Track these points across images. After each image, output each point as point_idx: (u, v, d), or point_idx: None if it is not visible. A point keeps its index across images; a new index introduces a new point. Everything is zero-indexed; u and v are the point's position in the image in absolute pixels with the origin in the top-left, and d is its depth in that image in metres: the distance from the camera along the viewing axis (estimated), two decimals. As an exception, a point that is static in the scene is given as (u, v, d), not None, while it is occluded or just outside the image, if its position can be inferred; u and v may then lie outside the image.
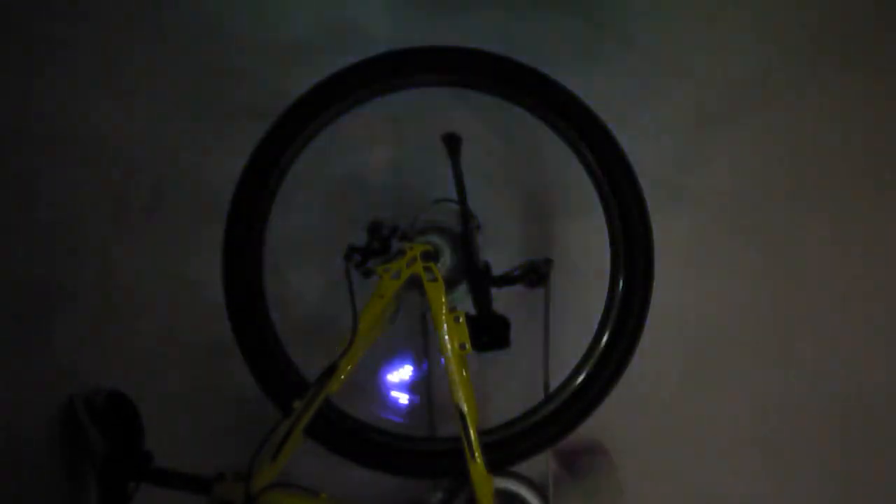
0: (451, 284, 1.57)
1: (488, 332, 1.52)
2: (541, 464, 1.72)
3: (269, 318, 1.66)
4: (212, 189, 1.76)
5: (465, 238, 1.56)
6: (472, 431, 1.50)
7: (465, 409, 1.51)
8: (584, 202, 1.67)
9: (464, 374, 1.51)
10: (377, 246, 1.56)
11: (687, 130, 1.90)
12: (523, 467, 1.63)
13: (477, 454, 1.50)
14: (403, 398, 1.82)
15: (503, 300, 1.58)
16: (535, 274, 1.66)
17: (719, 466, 1.94)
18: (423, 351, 1.83)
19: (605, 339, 1.61)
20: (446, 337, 1.52)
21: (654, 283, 1.60)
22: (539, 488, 1.59)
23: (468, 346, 1.52)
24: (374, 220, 1.57)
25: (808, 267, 1.93)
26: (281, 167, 1.64)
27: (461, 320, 1.52)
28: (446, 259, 1.57)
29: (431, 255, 1.55)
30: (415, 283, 1.56)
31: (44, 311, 1.63)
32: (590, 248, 1.72)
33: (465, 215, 1.55)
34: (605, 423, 1.64)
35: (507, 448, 1.62)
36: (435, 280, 1.53)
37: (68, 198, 1.73)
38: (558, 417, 1.63)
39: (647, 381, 1.78)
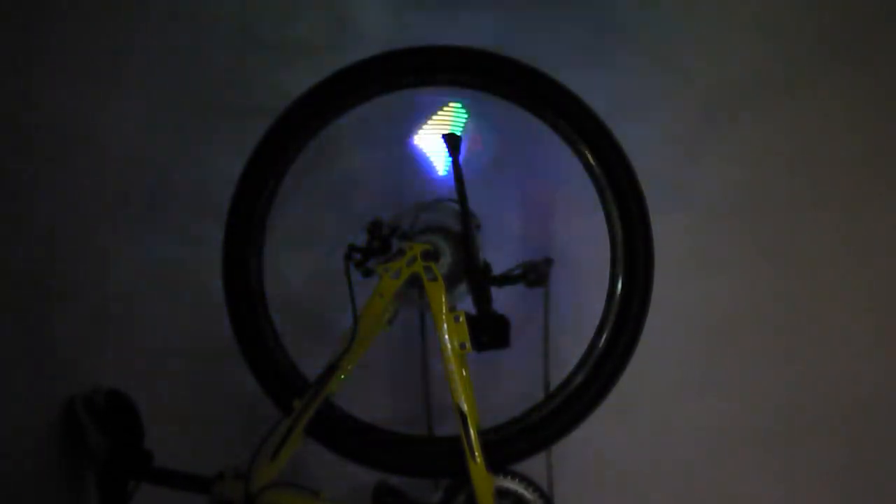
0: (451, 284, 1.57)
1: (488, 332, 1.52)
2: (541, 463, 1.72)
3: (269, 317, 1.67)
4: (212, 189, 1.76)
5: (465, 237, 1.56)
6: (472, 431, 1.50)
7: (465, 408, 1.51)
8: (584, 202, 1.67)
9: (464, 373, 1.52)
10: (377, 245, 1.56)
11: (687, 130, 1.90)
12: (523, 466, 1.63)
13: (477, 453, 1.50)
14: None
15: (503, 300, 1.58)
16: (535, 273, 1.66)
17: (719, 465, 1.94)
18: (422, 350, 1.83)
19: (604, 338, 1.61)
20: (446, 336, 1.52)
21: (654, 283, 1.60)
22: (539, 487, 1.59)
23: (468, 345, 1.52)
24: (374, 220, 1.57)
25: (808, 266, 1.93)
26: (281, 166, 1.64)
27: (461, 320, 1.52)
28: (446, 258, 1.57)
29: (431, 255, 1.55)
30: (415, 283, 1.56)
31: (44, 311, 1.63)
32: (590, 248, 1.71)
33: (465, 215, 1.55)
34: (605, 422, 1.64)
35: (507, 447, 1.62)
36: (435, 279, 1.53)
37: (68, 198, 1.73)
38: (558, 417, 1.63)
39: (646, 380, 1.78)
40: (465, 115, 1.72)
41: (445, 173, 1.70)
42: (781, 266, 1.93)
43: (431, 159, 1.76)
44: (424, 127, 1.75)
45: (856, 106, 1.92)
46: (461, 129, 1.70)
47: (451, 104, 1.71)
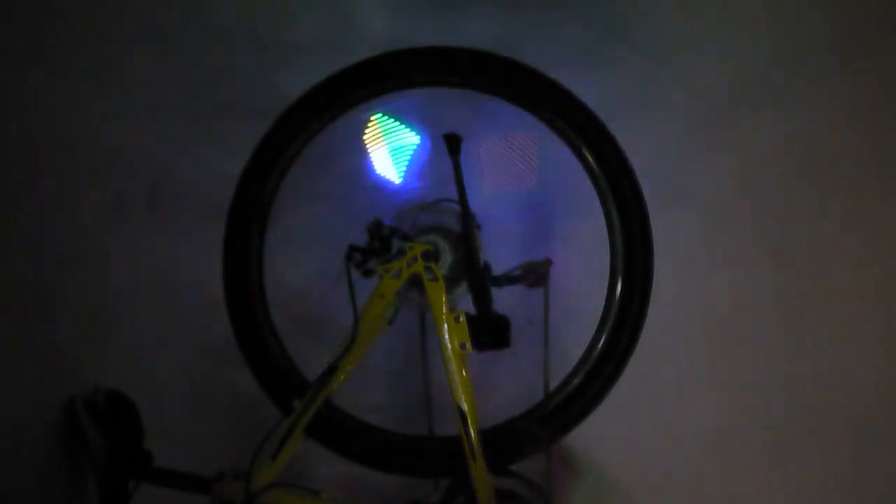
0: (451, 284, 1.57)
1: (488, 332, 1.53)
2: (541, 463, 1.72)
3: (270, 318, 1.67)
4: (212, 189, 1.76)
5: (465, 238, 1.56)
6: (472, 431, 1.50)
7: (465, 408, 1.51)
8: (584, 202, 1.67)
9: (464, 373, 1.52)
10: (378, 246, 1.56)
11: (687, 130, 1.90)
12: (523, 466, 1.64)
13: (477, 453, 1.50)
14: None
15: (503, 300, 1.58)
16: (535, 274, 1.66)
17: (720, 465, 1.94)
18: (422, 350, 1.83)
19: (604, 338, 1.62)
20: (446, 337, 1.52)
21: (654, 283, 1.60)
22: (539, 487, 1.60)
23: (468, 345, 1.52)
24: (374, 220, 1.57)
25: (809, 265, 1.93)
26: (282, 167, 1.64)
27: (461, 320, 1.52)
28: (446, 259, 1.57)
29: (432, 255, 1.55)
30: (415, 283, 1.56)
31: (44, 311, 1.63)
32: (589, 248, 1.72)
33: (466, 215, 1.55)
34: (605, 422, 1.65)
35: (507, 447, 1.62)
36: (435, 280, 1.53)
37: (68, 198, 1.73)
38: (558, 417, 1.63)
39: (647, 380, 1.78)
40: (393, 120, 1.66)
41: (401, 181, 1.67)
42: (782, 265, 1.93)
43: (382, 174, 1.70)
44: (366, 149, 1.69)
45: (857, 103, 1.91)
46: (397, 134, 1.65)
47: (372, 117, 1.64)
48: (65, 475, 1.65)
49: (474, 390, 1.53)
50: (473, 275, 1.55)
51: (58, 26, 1.72)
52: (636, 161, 1.60)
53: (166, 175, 1.87)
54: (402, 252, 1.55)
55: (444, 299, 1.53)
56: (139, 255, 1.85)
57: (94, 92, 1.78)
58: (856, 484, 1.94)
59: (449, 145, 1.56)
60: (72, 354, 1.70)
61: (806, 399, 1.93)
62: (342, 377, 1.56)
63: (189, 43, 1.86)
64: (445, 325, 1.52)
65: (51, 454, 1.62)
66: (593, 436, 1.68)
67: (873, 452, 1.94)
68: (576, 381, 1.64)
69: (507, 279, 1.62)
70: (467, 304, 1.57)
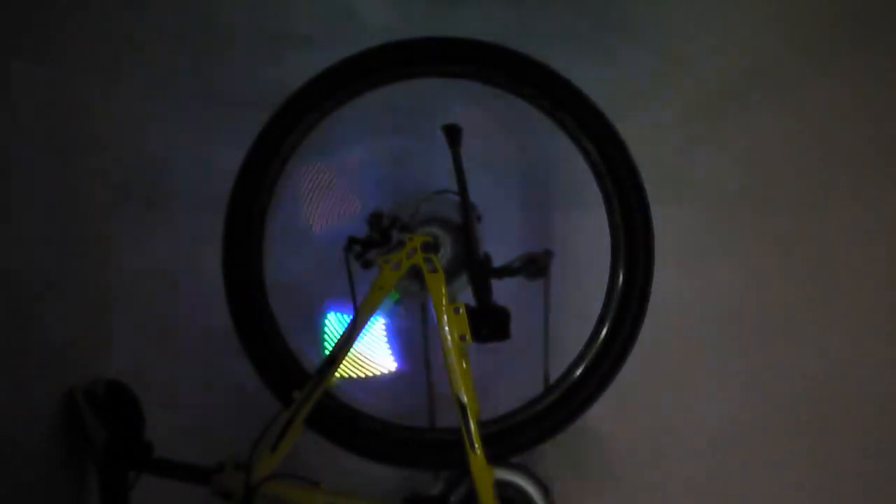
0: (451, 275, 1.57)
1: (488, 324, 1.52)
2: (541, 455, 1.73)
3: (269, 309, 1.67)
4: (211, 180, 1.76)
5: (465, 229, 1.55)
6: (471, 423, 1.50)
7: (464, 400, 1.51)
8: (585, 194, 1.67)
9: (464, 365, 1.52)
10: (377, 237, 1.56)
11: (688, 122, 1.90)
12: (523, 458, 1.64)
13: (477, 445, 1.50)
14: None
15: (503, 291, 1.58)
16: (535, 265, 1.66)
17: (721, 458, 1.94)
18: (423, 342, 1.83)
19: (604, 330, 1.61)
20: (446, 328, 1.52)
21: (654, 275, 1.59)
22: (539, 479, 1.60)
23: (468, 337, 1.52)
24: (374, 211, 1.57)
25: (808, 260, 1.92)
26: (281, 157, 1.64)
27: (461, 311, 1.52)
28: (446, 250, 1.57)
29: (432, 246, 1.54)
30: (415, 274, 1.56)
31: (44, 304, 1.63)
32: (590, 240, 1.71)
33: (466, 206, 1.55)
34: (605, 414, 1.64)
35: (507, 439, 1.62)
36: (435, 271, 1.53)
37: (69, 191, 1.73)
38: (558, 409, 1.63)
39: (646, 372, 1.77)
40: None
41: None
42: (785, 256, 1.92)
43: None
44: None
45: (860, 95, 1.91)
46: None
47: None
48: (65, 466, 1.66)
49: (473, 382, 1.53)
50: (473, 266, 1.55)
51: (58, 21, 1.72)
52: (637, 152, 1.59)
53: (166, 167, 1.87)
54: (401, 243, 1.54)
55: (443, 291, 1.53)
56: (139, 247, 1.85)
57: (95, 87, 1.78)
58: (857, 479, 1.94)
59: (448, 136, 1.56)
60: (71, 346, 1.70)
61: (809, 394, 1.92)
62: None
63: (188, 37, 1.86)
64: (445, 317, 1.52)
65: (51, 445, 1.62)
66: (594, 428, 1.67)
67: (879, 448, 1.93)
68: (576, 373, 1.64)
69: (507, 271, 1.62)
70: (467, 295, 1.57)
